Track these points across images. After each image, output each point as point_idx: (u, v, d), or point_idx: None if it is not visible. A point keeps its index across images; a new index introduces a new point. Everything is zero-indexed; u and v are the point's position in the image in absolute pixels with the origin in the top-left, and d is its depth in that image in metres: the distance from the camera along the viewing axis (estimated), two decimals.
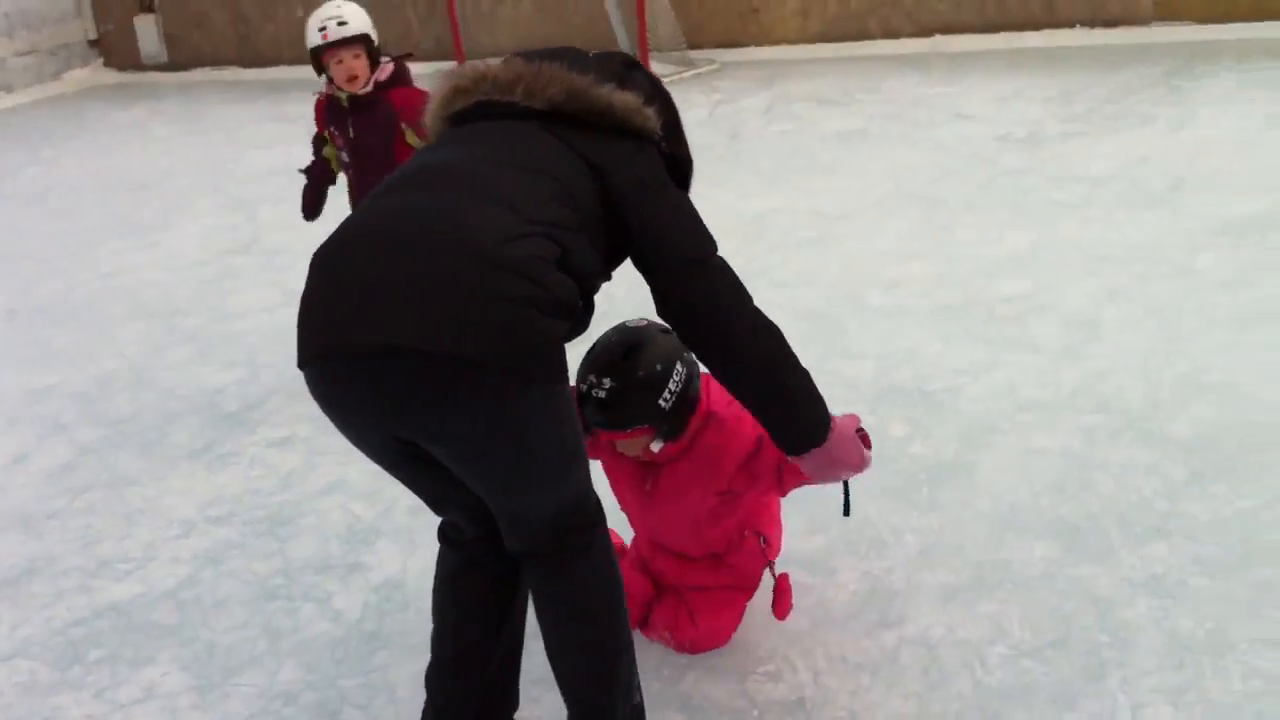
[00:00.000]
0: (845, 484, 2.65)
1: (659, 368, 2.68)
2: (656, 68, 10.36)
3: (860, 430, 2.58)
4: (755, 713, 2.71)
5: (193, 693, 3.07)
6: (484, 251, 2.12)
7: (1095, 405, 3.90)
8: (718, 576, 2.98)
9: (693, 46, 11.11)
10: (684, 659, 2.92)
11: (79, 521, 4.05)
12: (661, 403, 2.68)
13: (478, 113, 2.41)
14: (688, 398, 2.74)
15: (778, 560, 2.99)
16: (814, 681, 2.77)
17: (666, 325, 2.52)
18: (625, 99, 2.39)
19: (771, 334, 2.40)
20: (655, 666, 2.88)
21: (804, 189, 6.80)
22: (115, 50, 13.96)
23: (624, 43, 11.29)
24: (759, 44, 11.14)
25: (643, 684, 2.81)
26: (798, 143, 7.83)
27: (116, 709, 3.05)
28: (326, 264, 2.24)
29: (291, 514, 3.91)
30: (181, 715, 2.99)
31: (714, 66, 10.72)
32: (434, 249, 2.13)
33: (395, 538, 3.65)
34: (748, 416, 2.60)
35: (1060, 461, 3.59)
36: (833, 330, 4.79)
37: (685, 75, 10.49)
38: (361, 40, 4.43)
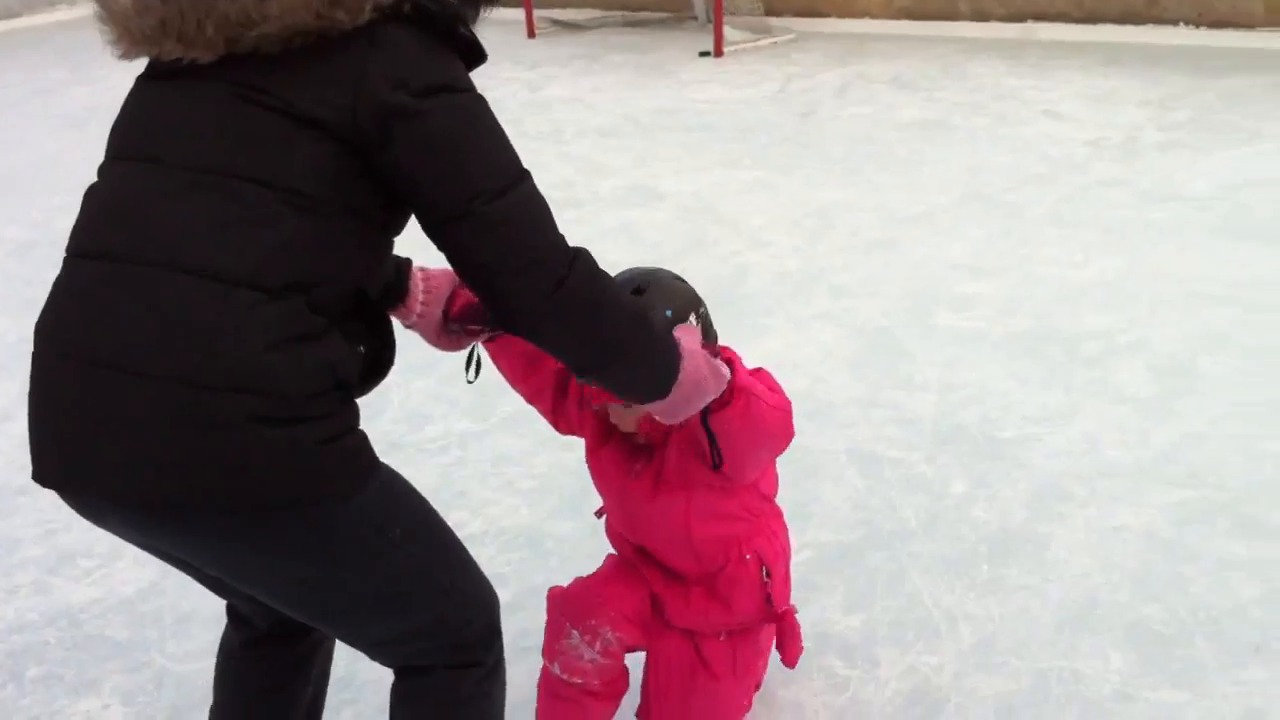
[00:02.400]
0: (709, 432, 2.11)
1: (668, 314, 2.13)
2: (731, 33, 9.89)
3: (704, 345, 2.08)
4: None
5: None
6: (187, 371, 1.60)
7: (1187, 476, 3.43)
8: (710, 611, 2.37)
9: (770, 13, 10.61)
10: None
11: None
12: None
13: (154, 72, 1.76)
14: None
15: (786, 606, 2.48)
16: None
17: (678, 274, 2.10)
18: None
19: (579, 303, 1.76)
20: None
21: (875, 182, 6.32)
22: None
23: (699, 2, 10.80)
24: (840, 15, 10.61)
25: None
26: (873, 129, 7.33)
27: None
28: (38, 371, 1.74)
29: None
30: None
31: (790, 37, 10.22)
32: (134, 373, 1.62)
33: None
34: (776, 391, 2.19)
35: (1144, 546, 3.12)
36: (893, 353, 4.33)
37: (761, 44, 9.99)
38: None
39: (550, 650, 2.36)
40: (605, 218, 6.02)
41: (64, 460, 1.68)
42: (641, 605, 2.38)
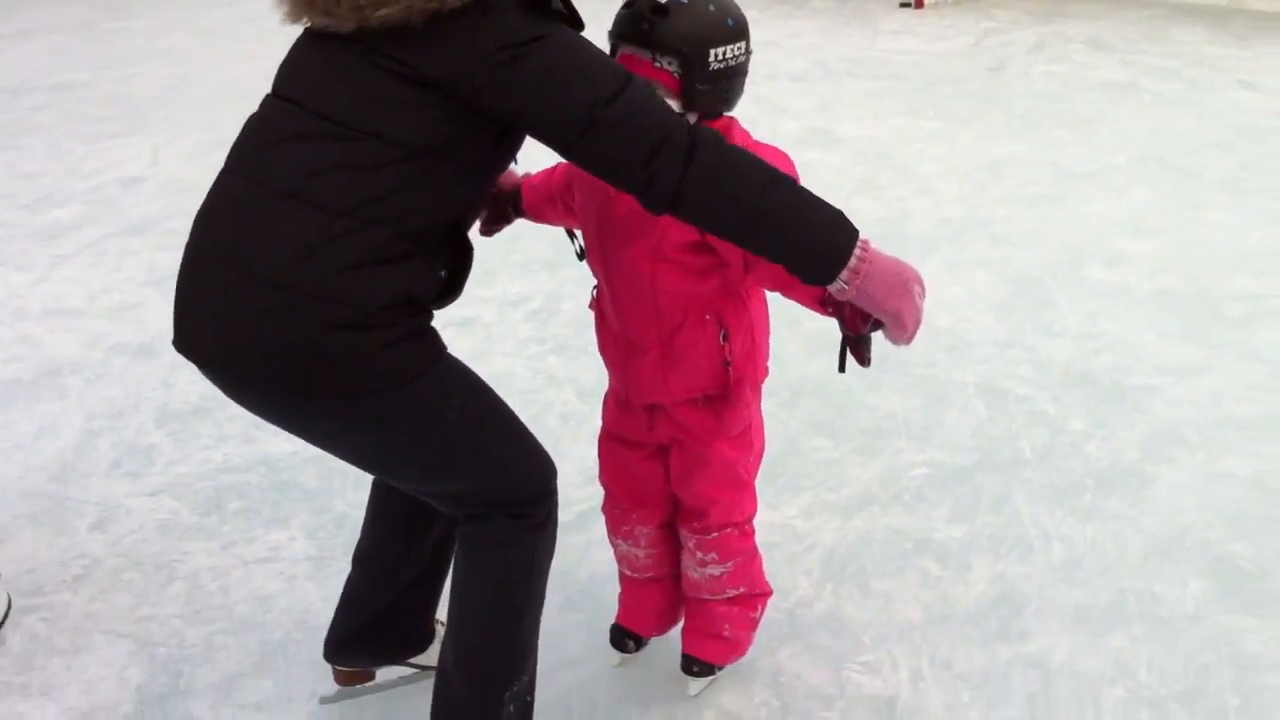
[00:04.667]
0: (843, 341, 2.12)
1: (731, 22, 2.15)
2: None
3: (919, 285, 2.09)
4: (842, 704, 2.60)
5: (310, 563, 3.15)
6: (284, 276, 1.96)
7: None
8: (669, 375, 2.35)
9: None
10: (786, 628, 2.82)
11: None
12: (713, 55, 2.12)
13: (311, 30, 2.09)
14: (730, 87, 2.18)
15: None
16: (911, 683, 2.64)
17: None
18: None
19: (712, 165, 1.92)
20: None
21: (1053, 139, 6.42)
22: None
23: None
24: None
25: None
26: (1060, 88, 7.38)
27: (240, 564, 3.16)
28: (184, 258, 2.11)
29: None
30: (296, 583, 3.08)
31: None
32: (239, 269, 2.00)
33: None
34: (766, 149, 2.16)
35: (1246, 493, 3.29)
36: (1039, 301, 4.52)
37: None
38: None
39: (617, 558, 2.69)
40: None
41: (182, 330, 2.09)
42: (654, 485, 2.56)
